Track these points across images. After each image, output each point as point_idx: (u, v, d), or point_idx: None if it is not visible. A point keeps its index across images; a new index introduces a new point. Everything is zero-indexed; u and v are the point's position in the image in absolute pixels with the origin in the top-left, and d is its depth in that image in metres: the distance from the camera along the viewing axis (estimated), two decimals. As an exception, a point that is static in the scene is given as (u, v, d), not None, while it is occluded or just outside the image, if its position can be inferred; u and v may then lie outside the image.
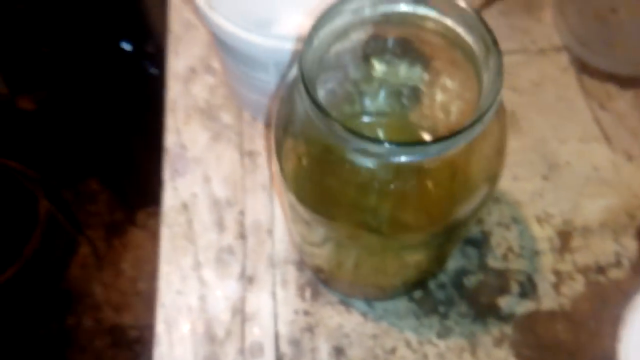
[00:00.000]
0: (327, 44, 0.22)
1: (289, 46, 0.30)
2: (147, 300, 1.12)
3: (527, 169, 0.38)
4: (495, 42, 0.20)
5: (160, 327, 0.34)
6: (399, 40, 0.27)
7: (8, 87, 1.08)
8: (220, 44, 0.34)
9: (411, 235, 0.22)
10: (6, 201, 1.06)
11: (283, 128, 0.24)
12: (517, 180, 0.37)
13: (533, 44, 0.42)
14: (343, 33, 0.22)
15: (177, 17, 0.45)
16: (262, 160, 0.39)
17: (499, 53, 0.20)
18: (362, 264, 0.30)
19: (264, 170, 0.39)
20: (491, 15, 0.43)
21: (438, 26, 0.22)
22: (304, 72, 0.19)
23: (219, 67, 0.43)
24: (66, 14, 0.87)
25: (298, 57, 0.20)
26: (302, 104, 0.21)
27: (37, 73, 1.06)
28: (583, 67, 0.40)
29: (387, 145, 0.18)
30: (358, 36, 0.25)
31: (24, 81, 1.09)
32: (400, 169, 0.20)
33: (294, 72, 0.25)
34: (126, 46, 1.04)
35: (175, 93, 0.42)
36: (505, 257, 0.35)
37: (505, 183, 0.37)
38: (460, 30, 0.21)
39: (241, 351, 0.33)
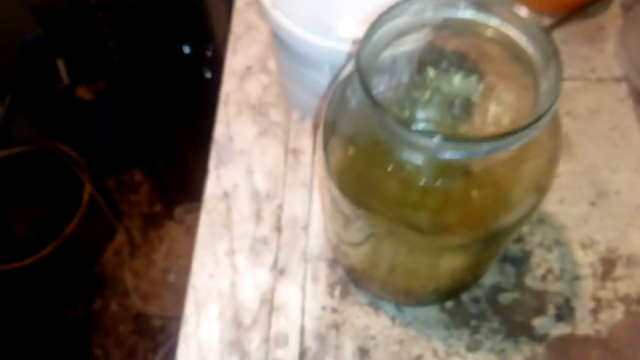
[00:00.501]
0: (385, 43, 0.22)
1: (345, 49, 0.31)
2: (175, 292, 1.14)
3: (575, 193, 0.37)
4: (556, 51, 0.20)
5: (189, 308, 0.35)
6: (456, 50, 0.27)
7: (70, 77, 1.13)
8: (279, 42, 0.35)
9: (451, 237, 0.22)
10: (54, 182, 1.11)
11: (332, 123, 0.24)
12: (563, 204, 0.37)
13: (592, 73, 0.41)
14: (402, 33, 0.23)
15: (240, 18, 0.47)
16: (305, 158, 0.40)
17: (559, 62, 0.20)
18: (396, 266, 0.30)
19: (307, 167, 0.39)
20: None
21: (498, 34, 0.22)
22: (361, 65, 0.20)
23: (274, 68, 0.44)
24: (135, 13, 0.91)
25: (355, 51, 0.21)
26: (355, 98, 0.21)
27: (99, 65, 1.11)
28: (641, 98, 0.39)
29: (437, 139, 0.18)
30: (416, 39, 0.26)
31: (85, 72, 1.14)
32: (447, 167, 0.20)
33: (347, 70, 0.25)
34: (186, 49, 1.08)
35: (230, 88, 0.43)
36: (544, 278, 0.35)
37: (551, 205, 0.37)
38: (520, 38, 0.21)
39: (266, 340, 0.34)
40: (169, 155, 1.13)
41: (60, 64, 1.13)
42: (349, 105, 0.23)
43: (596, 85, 0.41)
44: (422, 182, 0.20)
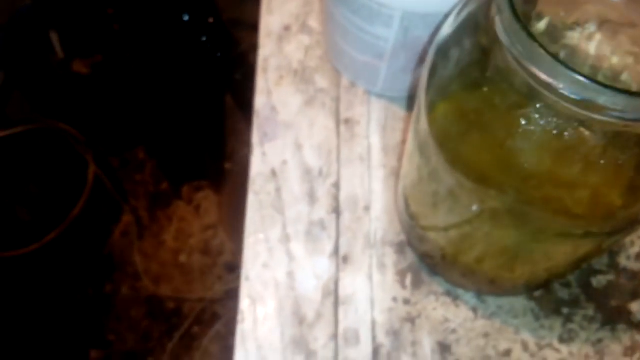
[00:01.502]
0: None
1: (427, -6, 0.26)
2: (188, 273, 1.11)
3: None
4: None
5: (244, 303, 0.31)
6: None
7: (65, 51, 1.07)
8: (336, -9, 0.30)
9: (605, 223, 0.18)
10: (57, 163, 1.06)
11: (445, 83, 0.20)
12: (656, 173, 0.33)
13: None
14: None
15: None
16: (360, 129, 0.35)
17: None
18: (489, 256, 0.26)
19: (362, 140, 0.35)
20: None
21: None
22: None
23: (316, 26, 0.39)
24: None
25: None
26: (487, 40, 0.17)
27: (94, 37, 1.04)
28: None
29: (629, 97, 0.14)
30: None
31: (80, 45, 1.07)
32: (616, 136, 0.16)
33: (453, 18, 0.21)
34: (185, 17, 1.02)
35: (268, 52, 0.38)
36: (639, 258, 0.31)
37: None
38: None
39: (334, 337, 0.30)
40: (173, 132, 1.08)
41: (54, 37, 1.06)
42: (475, 58, 0.18)
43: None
44: (584, 155, 0.16)
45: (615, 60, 0.23)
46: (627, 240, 0.31)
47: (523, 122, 0.16)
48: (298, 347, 0.30)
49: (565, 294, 0.30)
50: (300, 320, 0.30)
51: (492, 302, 0.30)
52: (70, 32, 1.06)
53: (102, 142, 1.16)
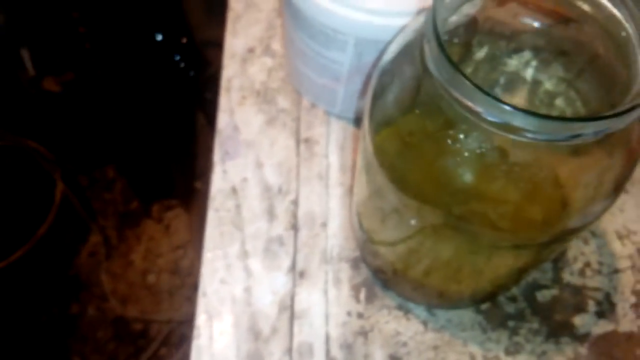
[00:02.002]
0: (456, 5, 0.19)
1: (378, 21, 0.28)
2: (155, 294, 1.10)
3: (608, 181, 0.35)
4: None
5: (200, 319, 0.32)
6: (510, 21, 0.25)
7: (36, 69, 1.07)
8: (295, 16, 0.31)
9: (529, 235, 0.19)
10: (23, 181, 1.04)
11: (384, 106, 0.21)
12: (596, 193, 0.34)
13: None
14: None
15: (236, -6, 0.43)
16: (319, 148, 0.37)
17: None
18: (435, 268, 0.27)
19: (321, 159, 0.36)
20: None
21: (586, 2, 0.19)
22: (437, 27, 0.17)
23: (279, 49, 0.40)
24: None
25: (430, 9, 0.17)
26: (423, 69, 0.18)
27: (66, 55, 1.04)
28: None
29: (537, 118, 0.15)
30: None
31: (51, 62, 1.07)
32: (535, 154, 0.18)
33: (398, 43, 0.22)
34: (158, 36, 1.02)
35: (231, 72, 0.39)
36: (582, 273, 0.32)
37: (583, 194, 0.34)
38: (608, 4, 0.19)
39: (288, 351, 0.30)
40: (142, 150, 1.08)
41: (25, 54, 1.06)
42: (410, 84, 0.19)
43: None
44: (504, 172, 0.17)
45: (549, 85, 0.25)
46: (571, 255, 0.33)
47: (450, 143, 0.18)
48: (253, 361, 0.30)
49: (512, 307, 0.32)
50: (255, 335, 0.31)
51: (442, 315, 0.31)
52: (41, 50, 1.06)
53: (72, 160, 1.15)
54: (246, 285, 0.32)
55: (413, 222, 0.22)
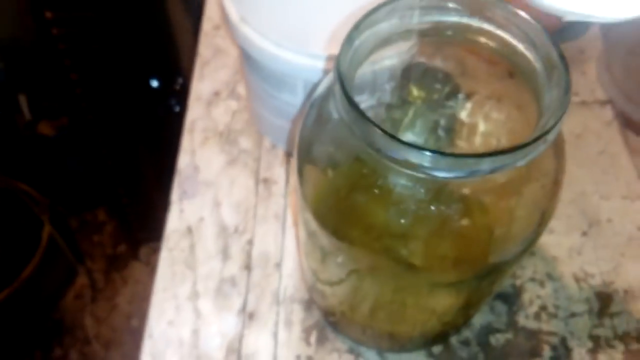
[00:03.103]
0: (367, 51, 0.20)
1: (320, 65, 0.28)
2: (140, 338, 1.08)
3: (566, 222, 0.35)
4: (562, 56, 0.17)
5: (146, 360, 0.31)
6: (443, 65, 0.25)
7: (32, 113, 1.09)
8: (249, 61, 0.32)
9: (446, 272, 0.19)
10: (11, 222, 1.04)
11: (307, 145, 0.21)
12: (554, 234, 0.34)
13: (575, 96, 0.40)
14: (385, 41, 0.20)
15: (207, 42, 0.44)
16: (278, 188, 0.37)
17: (566, 67, 0.17)
18: (380, 307, 0.27)
19: (279, 199, 0.36)
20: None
21: (493, 40, 0.20)
22: (342, 71, 0.17)
23: (244, 93, 0.41)
24: (100, 46, 0.88)
25: (336, 57, 0.18)
26: (335, 111, 0.18)
27: (61, 100, 1.07)
28: (628, 122, 0.38)
29: (432, 154, 0.15)
30: (400, 50, 0.23)
31: (47, 107, 1.09)
32: (442, 190, 0.18)
33: (322, 87, 0.22)
34: (154, 82, 1.05)
35: (196, 114, 0.40)
36: (537, 317, 0.32)
37: (541, 236, 0.34)
38: (518, 45, 0.19)
39: (234, 396, 0.30)
40: (134, 192, 1.09)
41: (22, 100, 1.08)
42: (326, 124, 0.20)
43: (580, 109, 0.39)
44: (412, 209, 0.17)
45: (485, 127, 0.25)
46: (526, 298, 0.32)
47: (360, 181, 0.18)
48: (197, 407, 0.29)
49: (465, 352, 0.31)
50: (201, 378, 0.30)
51: (393, 359, 0.30)
52: (38, 96, 1.08)
53: (64, 202, 1.16)
54: (194, 328, 0.32)
55: (342, 262, 0.22)
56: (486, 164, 0.16)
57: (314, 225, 0.22)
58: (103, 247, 1.17)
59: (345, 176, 0.18)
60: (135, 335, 1.07)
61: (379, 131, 0.16)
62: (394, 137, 0.16)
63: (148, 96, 1.07)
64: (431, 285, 0.21)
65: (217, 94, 0.41)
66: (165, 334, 0.31)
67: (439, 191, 0.17)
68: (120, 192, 1.10)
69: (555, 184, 0.19)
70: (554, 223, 0.34)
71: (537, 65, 0.18)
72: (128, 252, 1.16)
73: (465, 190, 0.18)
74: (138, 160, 1.08)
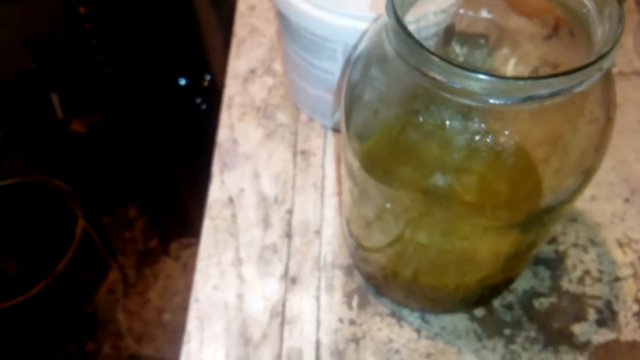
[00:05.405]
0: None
1: (361, 26, 0.29)
2: (171, 332, 1.09)
3: (607, 190, 0.34)
4: (613, -13, 0.18)
5: (191, 324, 0.31)
6: (484, 22, 0.25)
7: (64, 111, 1.12)
8: (289, 30, 0.33)
9: (499, 211, 0.19)
10: (46, 217, 1.07)
11: (355, 93, 0.21)
12: (595, 201, 0.34)
13: (613, 67, 0.39)
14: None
15: (243, 22, 0.45)
16: (315, 160, 0.37)
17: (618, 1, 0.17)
18: (424, 266, 0.27)
19: (317, 169, 0.37)
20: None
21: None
22: (395, 5, 0.18)
23: (280, 69, 0.42)
24: (132, 41, 0.90)
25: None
26: (389, 47, 0.19)
27: (93, 99, 1.09)
28: (668, 90, 0.37)
29: (489, 77, 0.16)
30: (445, 2, 0.23)
31: (80, 105, 1.12)
32: (497, 123, 0.18)
33: (365, 41, 0.23)
34: (182, 81, 1.07)
35: (233, 91, 0.41)
36: (581, 281, 0.31)
37: (582, 203, 0.34)
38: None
39: (277, 357, 0.30)
40: (165, 188, 1.10)
41: (55, 98, 1.11)
42: (377, 67, 0.20)
43: (618, 80, 0.39)
44: (466, 142, 0.18)
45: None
46: (569, 263, 0.32)
47: (413, 118, 0.18)
48: (242, 367, 0.30)
49: (508, 315, 0.31)
50: (246, 341, 0.31)
51: (436, 322, 0.31)
52: (70, 94, 1.11)
53: (95, 200, 1.18)
54: (239, 292, 0.32)
55: (391, 216, 0.22)
56: (542, 88, 0.16)
57: (362, 177, 0.22)
58: (134, 242, 1.19)
59: (397, 115, 0.19)
60: (167, 329, 1.09)
61: (435, 58, 0.16)
62: (450, 62, 0.16)
63: (177, 93, 1.09)
64: (482, 229, 0.21)
65: (253, 71, 0.42)
66: (210, 298, 0.32)
67: (493, 124, 0.18)
68: (151, 188, 1.12)
69: (609, 121, 0.19)
70: (595, 190, 0.34)
71: (588, 1, 0.18)
72: (159, 248, 1.18)
73: (520, 123, 0.18)
74: (169, 157, 1.10)
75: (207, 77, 1.07)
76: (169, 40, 0.96)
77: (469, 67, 0.16)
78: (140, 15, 0.89)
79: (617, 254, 0.32)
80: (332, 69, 0.33)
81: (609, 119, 0.19)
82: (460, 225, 0.21)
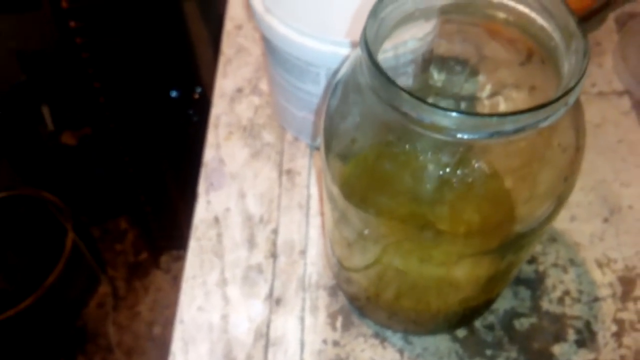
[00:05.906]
0: (391, 25, 0.21)
1: (342, 52, 0.29)
2: (160, 346, 1.08)
3: (587, 210, 0.35)
4: (579, 24, 0.18)
5: (176, 345, 0.32)
6: (463, 48, 0.26)
7: (55, 124, 1.12)
8: (273, 53, 0.33)
9: (472, 239, 0.20)
10: (35, 230, 1.06)
11: (333, 121, 0.22)
12: (575, 221, 0.34)
13: (593, 87, 0.40)
14: (408, 16, 0.21)
15: (230, 41, 0.46)
16: (300, 179, 0.37)
17: (584, 34, 0.18)
18: (405, 289, 0.27)
19: (302, 189, 0.37)
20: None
21: (511, 15, 0.21)
22: (368, 41, 0.18)
23: (266, 89, 0.42)
24: (122, 55, 0.90)
25: (362, 29, 0.19)
26: (362, 81, 0.19)
27: (83, 111, 1.09)
28: (646, 111, 0.38)
29: (457, 115, 0.16)
30: (422, 29, 0.24)
31: (70, 117, 1.12)
32: (466, 155, 0.18)
33: (345, 67, 0.23)
34: (173, 93, 1.07)
35: (220, 110, 0.41)
36: (561, 301, 0.32)
37: (562, 223, 0.34)
38: (536, 17, 0.20)
39: (262, 378, 0.30)
40: (155, 200, 1.10)
41: (45, 111, 1.11)
42: (353, 97, 0.21)
43: (598, 100, 0.40)
44: (438, 173, 0.18)
45: (502, 106, 0.26)
46: (549, 284, 0.33)
47: (386, 148, 0.18)
48: (226, 388, 0.30)
49: (489, 336, 0.31)
50: (230, 361, 0.31)
51: (418, 343, 0.31)
52: (61, 106, 1.11)
53: (86, 212, 1.18)
54: (223, 313, 0.33)
55: (369, 240, 0.22)
56: (509, 124, 0.16)
57: (341, 202, 0.23)
58: (125, 255, 1.19)
59: (372, 145, 0.19)
60: (157, 343, 1.08)
61: (405, 95, 0.17)
62: (419, 99, 0.16)
63: (168, 106, 1.09)
64: (458, 256, 0.21)
65: (239, 90, 0.43)
66: (195, 319, 0.32)
67: (463, 156, 0.18)
68: (142, 200, 1.12)
69: (577, 151, 0.20)
70: (575, 210, 0.35)
71: (556, 35, 0.19)
72: (149, 260, 1.17)
73: (490, 155, 0.19)
74: (159, 169, 1.10)
75: (198, 90, 1.08)
76: (159, 53, 0.96)
77: (437, 105, 0.16)
78: (130, 29, 0.90)
79: (597, 274, 0.33)
80: (315, 91, 0.33)
81: (577, 149, 0.19)
82: (435, 253, 0.21)
